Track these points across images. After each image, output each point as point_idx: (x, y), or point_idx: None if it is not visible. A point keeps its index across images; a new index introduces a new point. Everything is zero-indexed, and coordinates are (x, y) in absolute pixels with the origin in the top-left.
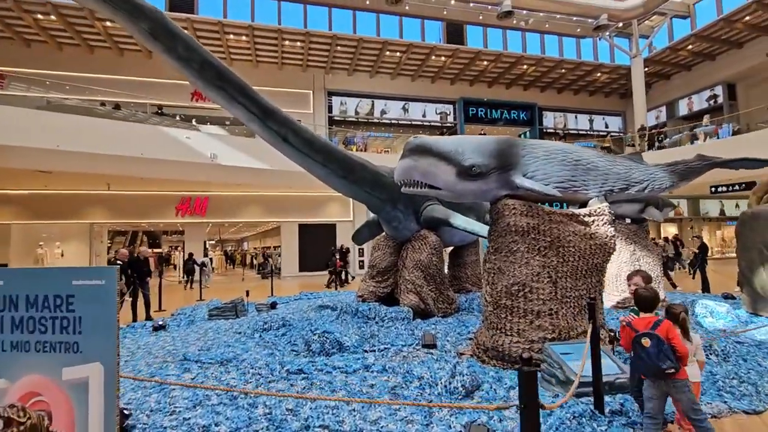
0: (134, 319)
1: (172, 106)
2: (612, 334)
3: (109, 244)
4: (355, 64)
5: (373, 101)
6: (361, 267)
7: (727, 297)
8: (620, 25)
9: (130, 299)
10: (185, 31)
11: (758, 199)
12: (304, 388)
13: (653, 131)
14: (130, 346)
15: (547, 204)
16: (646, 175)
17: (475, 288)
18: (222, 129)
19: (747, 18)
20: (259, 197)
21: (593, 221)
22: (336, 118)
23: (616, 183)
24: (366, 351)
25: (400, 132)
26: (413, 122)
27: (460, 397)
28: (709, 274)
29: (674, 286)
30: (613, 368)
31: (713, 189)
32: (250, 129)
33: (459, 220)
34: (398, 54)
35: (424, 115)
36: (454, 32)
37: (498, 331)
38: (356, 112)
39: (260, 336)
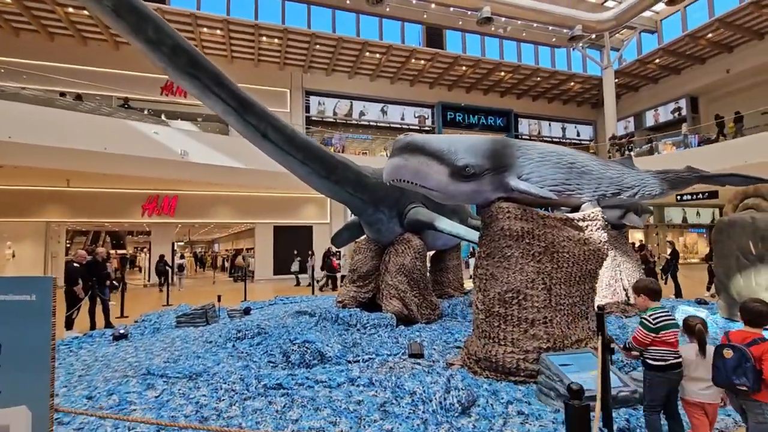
0: (92, 327)
1: (140, 99)
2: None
3: (68, 245)
4: (333, 63)
5: (351, 102)
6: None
7: (701, 302)
8: (593, 36)
9: (88, 304)
10: (154, 11)
11: (734, 207)
12: (285, 405)
13: (623, 140)
14: (87, 358)
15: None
16: (637, 181)
17: (457, 293)
18: (194, 125)
19: (710, 35)
20: (232, 197)
21: (587, 226)
22: (314, 118)
23: (609, 188)
24: (350, 362)
25: (378, 134)
26: (392, 125)
27: (456, 414)
28: (679, 278)
29: None
30: (615, 381)
31: (678, 197)
32: (227, 123)
33: (444, 223)
34: (378, 55)
35: (402, 118)
36: (434, 36)
37: (490, 341)
38: (334, 113)
39: (233, 346)
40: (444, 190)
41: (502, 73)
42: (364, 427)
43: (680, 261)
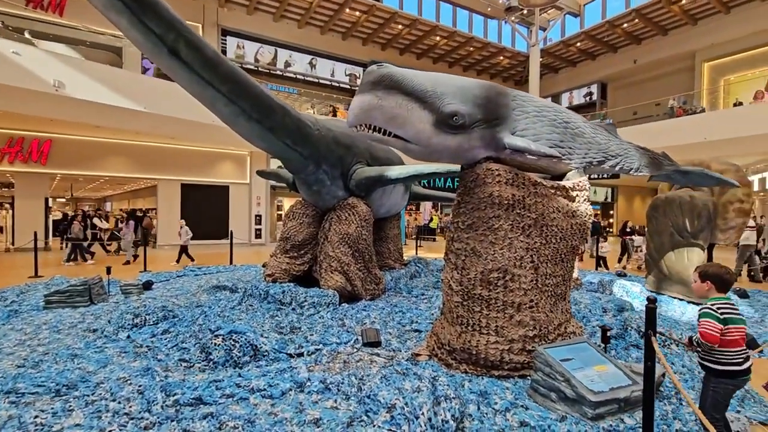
0: None
1: None
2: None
3: None
4: (256, 0)
5: (276, 50)
6: (258, 236)
7: (621, 275)
8: (525, 12)
9: None
10: None
11: (670, 185)
12: None
13: None
14: None
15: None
16: (621, 150)
17: (398, 264)
18: (74, 50)
19: (625, 25)
20: (128, 147)
21: (576, 197)
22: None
23: (597, 155)
24: (291, 355)
25: (305, 89)
26: (320, 80)
27: None
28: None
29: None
30: (622, 378)
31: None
32: (118, 28)
33: (395, 171)
34: None
35: (332, 74)
36: None
37: (469, 329)
38: (256, 60)
39: (128, 336)
40: (425, 143)
41: (438, 38)
42: None
43: None
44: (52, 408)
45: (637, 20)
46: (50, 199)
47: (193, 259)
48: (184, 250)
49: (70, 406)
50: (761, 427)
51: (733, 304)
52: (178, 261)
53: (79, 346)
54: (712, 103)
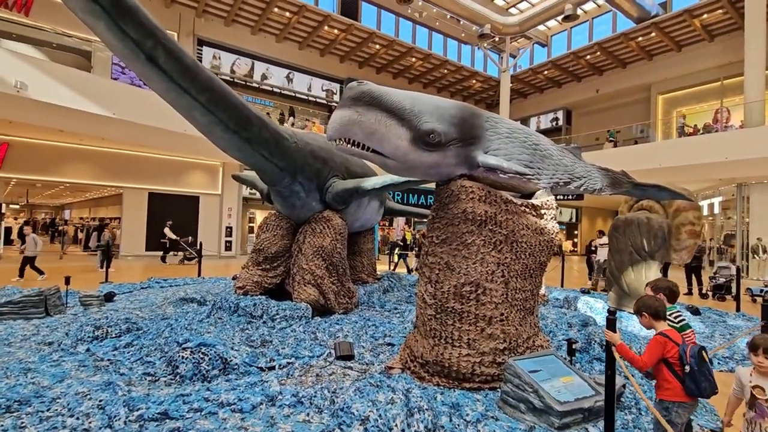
0: None
1: None
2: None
3: None
4: (234, 13)
5: (253, 62)
6: (228, 248)
7: (585, 292)
8: (496, 39)
9: None
10: None
11: (629, 207)
12: None
13: None
14: None
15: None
16: (585, 172)
17: (371, 279)
18: (39, 51)
19: (588, 57)
20: (92, 153)
21: (544, 214)
22: None
23: (563, 176)
24: (263, 369)
25: (281, 102)
26: (297, 94)
27: None
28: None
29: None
30: (586, 389)
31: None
32: (93, 32)
33: (371, 182)
34: (288, 14)
35: (309, 89)
36: (349, 6)
37: (442, 341)
38: (232, 71)
39: (88, 350)
40: (402, 160)
41: (414, 59)
42: None
43: None
44: (2, 425)
45: (599, 53)
46: (3, 205)
47: (42, 273)
48: (28, 261)
49: (23, 422)
50: None
51: (680, 312)
52: (20, 275)
53: (32, 360)
54: (666, 133)
